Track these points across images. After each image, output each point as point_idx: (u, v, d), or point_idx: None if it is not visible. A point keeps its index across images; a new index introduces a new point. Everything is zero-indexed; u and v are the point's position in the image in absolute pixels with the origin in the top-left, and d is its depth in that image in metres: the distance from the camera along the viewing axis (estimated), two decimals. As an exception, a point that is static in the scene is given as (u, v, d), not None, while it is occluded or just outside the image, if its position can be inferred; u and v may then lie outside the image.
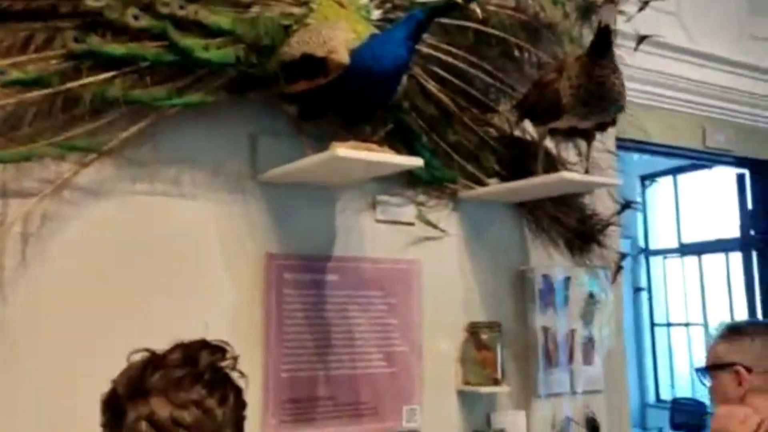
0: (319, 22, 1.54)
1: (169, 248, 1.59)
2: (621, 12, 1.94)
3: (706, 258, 6.36)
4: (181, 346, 1.01)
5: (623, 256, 2.14)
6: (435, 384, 1.88)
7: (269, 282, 1.69)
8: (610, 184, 1.83)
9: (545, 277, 2.05)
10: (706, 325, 6.22)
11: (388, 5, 1.73)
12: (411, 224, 1.92)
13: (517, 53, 1.98)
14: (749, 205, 3.17)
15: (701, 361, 1.56)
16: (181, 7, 1.50)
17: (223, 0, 1.57)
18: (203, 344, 1.03)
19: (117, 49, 1.45)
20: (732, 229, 5.55)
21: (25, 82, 1.38)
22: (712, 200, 6.26)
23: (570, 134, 1.78)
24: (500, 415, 1.96)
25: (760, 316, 2.95)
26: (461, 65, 1.87)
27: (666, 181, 6.77)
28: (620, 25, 2.02)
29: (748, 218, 3.18)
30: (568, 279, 2.09)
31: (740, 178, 3.22)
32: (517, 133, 2.04)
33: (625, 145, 2.46)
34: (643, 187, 6.95)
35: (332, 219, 1.82)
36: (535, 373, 2.00)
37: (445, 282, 1.95)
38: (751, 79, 2.89)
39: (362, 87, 1.45)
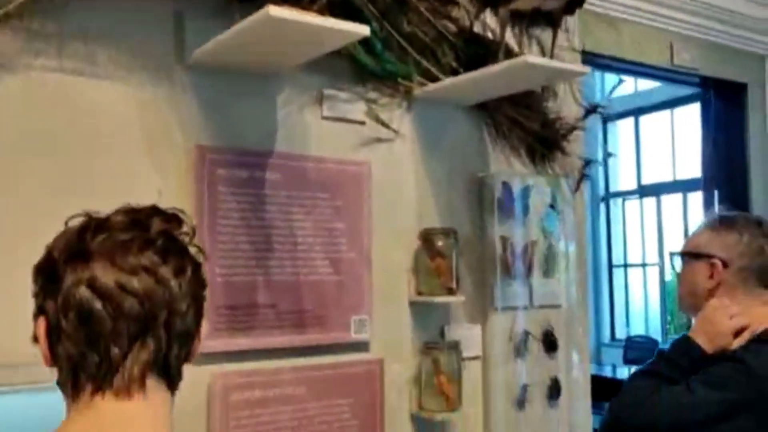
0: None
1: (79, 136, 1.40)
2: None
3: (665, 199, 6.40)
4: (127, 210, 0.84)
5: (587, 162, 2.02)
6: (386, 294, 1.76)
7: (200, 178, 1.52)
8: (578, 72, 1.69)
9: (505, 184, 1.93)
10: (662, 266, 6.29)
11: None
12: (361, 123, 1.76)
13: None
14: (713, 131, 3.09)
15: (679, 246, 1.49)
16: None
17: None
18: (155, 210, 0.85)
19: None
20: (692, 170, 5.59)
21: None
22: (673, 141, 6.26)
23: (534, 20, 1.62)
24: (455, 327, 1.85)
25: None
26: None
27: (627, 123, 6.74)
28: None
29: (711, 144, 3.11)
30: (528, 187, 1.97)
31: (705, 101, 3.13)
32: (477, 29, 1.88)
33: (590, 60, 2.32)
34: (605, 129, 6.91)
35: (273, 112, 1.65)
36: (492, 284, 1.89)
37: (397, 186, 1.81)
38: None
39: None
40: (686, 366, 1.32)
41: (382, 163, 1.78)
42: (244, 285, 1.56)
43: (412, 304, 1.80)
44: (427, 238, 1.78)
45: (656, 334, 6.24)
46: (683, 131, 6.02)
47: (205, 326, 0.88)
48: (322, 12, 1.35)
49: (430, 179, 1.86)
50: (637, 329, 6.45)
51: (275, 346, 1.58)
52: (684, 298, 1.49)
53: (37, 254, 0.83)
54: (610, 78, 6.77)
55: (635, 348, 5.89)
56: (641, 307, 6.49)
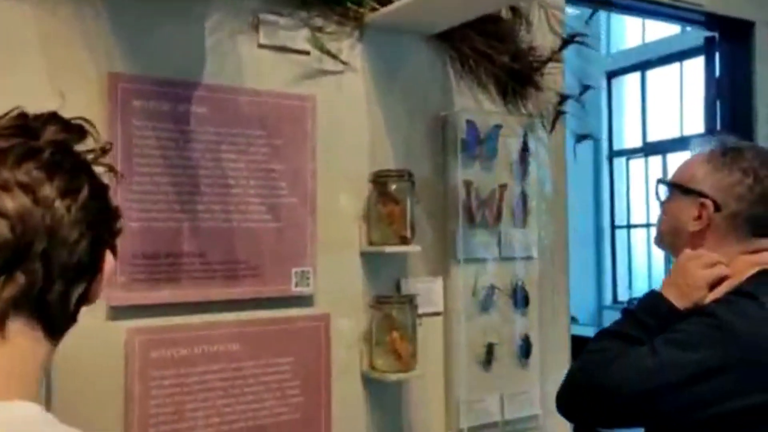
0: None
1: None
2: None
3: (671, 157, 6.15)
4: (19, 114, 0.68)
5: (563, 98, 1.82)
6: (333, 243, 1.59)
7: (112, 110, 1.35)
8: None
9: (470, 124, 1.74)
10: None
11: None
12: (305, 53, 1.57)
13: None
14: (716, 73, 2.86)
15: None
16: None
17: None
18: (52, 117, 0.69)
19: None
20: (700, 126, 5.34)
21: None
22: (681, 96, 5.99)
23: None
24: (413, 281, 1.69)
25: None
26: None
27: (633, 79, 6.46)
28: None
29: (714, 88, 2.88)
30: (498, 127, 1.78)
31: (709, 43, 2.89)
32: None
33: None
34: (609, 85, 6.64)
35: (201, 38, 1.46)
36: (454, 233, 1.72)
37: (346, 125, 1.63)
38: None
39: None
40: (653, 325, 1.14)
41: (329, 99, 1.60)
42: (166, 231, 1.40)
43: (364, 255, 1.63)
44: (378, 180, 1.60)
45: (659, 296, 6.06)
46: (692, 85, 5.74)
47: (110, 262, 0.72)
48: None
49: (385, 118, 1.68)
50: (640, 292, 6.28)
51: (203, 299, 1.43)
52: (665, 235, 1.28)
53: None
54: (616, 27, 6.48)
55: (637, 310, 5.72)
56: (644, 269, 6.30)
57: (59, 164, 0.66)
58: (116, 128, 1.34)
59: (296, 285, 1.53)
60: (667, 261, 6.17)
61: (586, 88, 1.79)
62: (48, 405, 1.09)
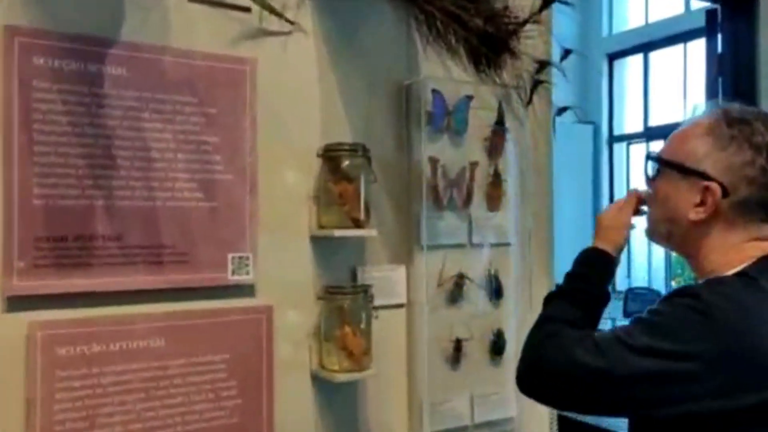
0: None
1: None
2: None
3: (673, 142, 5.94)
4: None
5: (543, 65, 1.62)
6: (278, 226, 1.41)
7: (9, 70, 1.16)
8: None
9: (437, 94, 1.55)
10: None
11: None
12: (245, 9, 1.38)
13: None
14: (719, 49, 2.67)
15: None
16: None
17: None
18: None
19: None
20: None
21: None
22: (685, 78, 5.77)
23: None
24: (371, 269, 1.51)
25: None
26: None
27: (636, 60, 6.24)
28: None
29: (716, 66, 2.68)
30: (468, 98, 1.59)
31: (711, 18, 2.69)
32: None
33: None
34: (611, 67, 6.42)
35: (119, -10, 1.27)
36: (418, 217, 1.54)
37: (294, 93, 1.44)
38: None
39: None
40: (591, 274, 1.10)
41: (273, 63, 1.41)
42: (76, 210, 1.21)
43: (314, 240, 1.45)
44: (329, 155, 1.42)
45: (659, 286, 5.88)
46: (696, 68, 5.52)
47: None
48: None
49: (339, 86, 1.49)
50: (639, 281, 6.10)
51: (121, 288, 1.25)
52: (659, 223, 1.07)
53: None
54: (618, 7, 6.25)
55: (636, 300, 5.53)
56: (644, 257, 6.12)
57: None
58: (12, 89, 1.16)
59: (233, 273, 1.35)
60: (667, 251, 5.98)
61: (567, 52, 1.59)
62: None
